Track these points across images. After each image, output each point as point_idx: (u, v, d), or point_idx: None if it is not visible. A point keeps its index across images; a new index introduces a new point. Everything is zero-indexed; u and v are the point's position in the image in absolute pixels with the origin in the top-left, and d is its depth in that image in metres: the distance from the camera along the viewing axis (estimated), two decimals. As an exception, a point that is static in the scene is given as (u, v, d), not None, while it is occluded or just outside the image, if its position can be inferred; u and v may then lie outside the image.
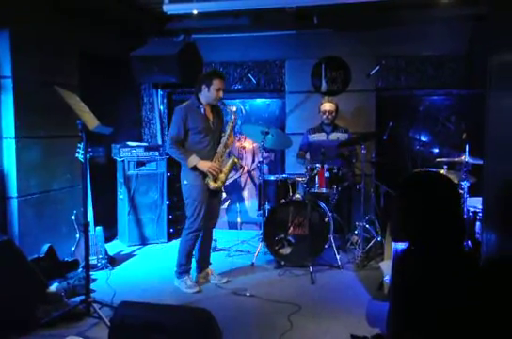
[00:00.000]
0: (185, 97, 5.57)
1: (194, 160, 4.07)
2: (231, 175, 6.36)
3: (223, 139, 4.22)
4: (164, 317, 2.80)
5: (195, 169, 4.09)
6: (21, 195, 4.35)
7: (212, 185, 4.12)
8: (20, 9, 4.33)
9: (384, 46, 5.85)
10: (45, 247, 4.21)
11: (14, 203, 4.31)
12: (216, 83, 4.09)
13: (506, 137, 2.50)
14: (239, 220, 6.34)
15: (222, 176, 4.19)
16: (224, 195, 6.40)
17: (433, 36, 5.69)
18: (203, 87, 4.12)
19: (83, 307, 3.51)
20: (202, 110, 4.16)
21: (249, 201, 6.51)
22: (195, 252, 4.34)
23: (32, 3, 4.47)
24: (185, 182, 4.18)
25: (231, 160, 4.26)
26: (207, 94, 4.13)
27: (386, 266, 3.95)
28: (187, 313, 2.92)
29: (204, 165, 4.08)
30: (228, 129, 4.25)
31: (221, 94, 4.14)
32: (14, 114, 4.26)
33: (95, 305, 3.50)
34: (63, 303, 3.62)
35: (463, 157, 4.06)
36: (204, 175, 4.12)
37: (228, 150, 4.30)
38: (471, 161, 4.04)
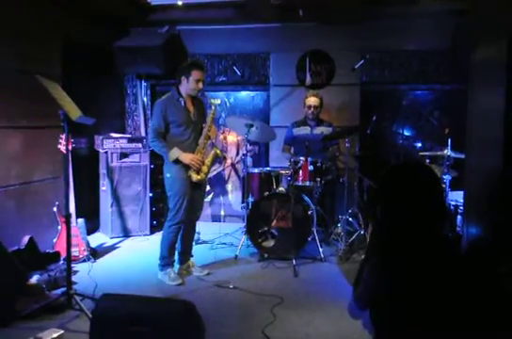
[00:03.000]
0: (169, 89, 5.51)
1: (176, 153, 4.04)
2: (214, 168, 6.37)
3: (204, 131, 4.18)
4: (146, 309, 2.79)
5: (177, 161, 4.07)
6: (1, 186, 4.28)
7: (194, 177, 4.11)
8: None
9: (369, 40, 5.86)
10: (26, 238, 4.16)
11: (-6, 194, 4.25)
12: (195, 74, 4.04)
13: (488, 131, 2.52)
14: (222, 213, 6.34)
15: (205, 168, 4.16)
16: (208, 188, 6.42)
17: (417, 31, 5.72)
18: (182, 78, 4.09)
19: (64, 299, 3.48)
20: (182, 103, 4.13)
21: (233, 193, 6.51)
22: (177, 245, 4.33)
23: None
24: (168, 175, 4.16)
25: (213, 152, 4.23)
26: (186, 86, 4.10)
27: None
28: (170, 305, 2.91)
29: (186, 157, 4.06)
30: (208, 121, 4.20)
31: (201, 85, 4.11)
32: (-6, 104, 4.20)
33: (77, 297, 3.47)
34: (44, 295, 3.58)
35: (445, 151, 4.11)
36: (187, 168, 4.10)
37: (209, 142, 4.27)
38: (453, 155, 4.09)
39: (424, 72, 5.88)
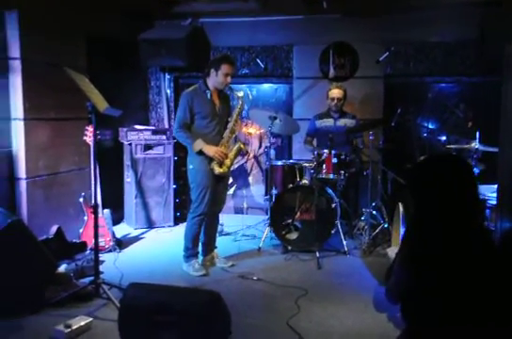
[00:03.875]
0: (192, 81, 5.53)
1: (200, 144, 4.06)
2: (236, 160, 6.38)
3: (229, 125, 4.20)
4: (173, 299, 2.83)
5: (200, 153, 4.09)
6: (29, 176, 4.36)
7: (217, 170, 4.11)
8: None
9: (393, 32, 5.80)
10: (54, 228, 4.24)
11: (23, 185, 4.33)
12: (225, 68, 4.06)
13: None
14: (245, 205, 6.35)
15: (228, 161, 4.16)
16: (230, 180, 6.44)
17: (443, 22, 5.64)
18: (212, 71, 4.11)
19: (92, 288, 3.54)
20: (209, 95, 4.14)
21: (255, 186, 6.52)
22: (201, 236, 4.37)
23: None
24: (191, 166, 4.18)
25: (237, 146, 4.23)
26: (215, 79, 4.11)
27: (393, 252, 3.97)
28: (197, 294, 2.94)
29: (210, 149, 4.07)
30: (234, 115, 4.22)
31: (229, 80, 4.11)
32: (23, 95, 4.26)
33: (104, 286, 3.52)
34: (72, 284, 3.66)
35: (473, 144, 4.04)
36: (210, 160, 4.11)
37: (234, 135, 4.27)
38: (481, 148, 4.02)
39: (449, 64, 5.79)
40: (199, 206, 4.16)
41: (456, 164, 1.83)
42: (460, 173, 1.81)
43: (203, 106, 4.12)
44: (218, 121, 4.18)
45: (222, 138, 4.17)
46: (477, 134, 4.03)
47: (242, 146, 4.28)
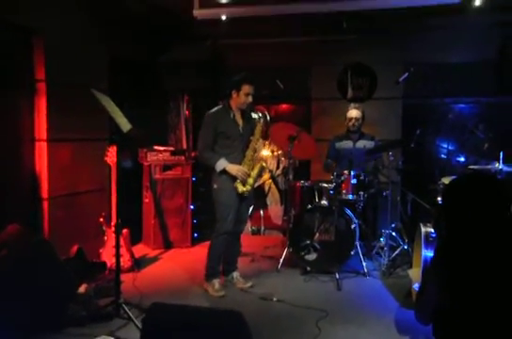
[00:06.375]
0: (211, 102, 5.60)
1: (223, 164, 4.10)
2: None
3: (251, 144, 4.22)
4: (196, 319, 2.80)
5: (224, 172, 4.11)
6: (51, 196, 4.41)
7: (240, 188, 4.12)
8: (52, 15, 4.43)
9: (411, 53, 5.86)
10: (74, 248, 4.26)
11: (45, 205, 4.37)
12: (246, 88, 4.10)
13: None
14: (262, 226, 6.33)
15: (250, 180, 4.18)
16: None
17: (461, 43, 5.68)
18: (233, 92, 4.15)
19: (112, 308, 3.53)
20: (232, 115, 4.18)
21: (273, 206, 6.50)
22: (223, 256, 4.36)
23: (64, 9, 4.57)
24: (215, 186, 4.20)
25: (259, 164, 4.24)
26: (237, 99, 4.15)
27: (415, 273, 3.92)
28: (220, 314, 2.91)
29: (233, 168, 4.09)
30: (256, 133, 4.23)
31: (250, 99, 4.15)
32: (47, 116, 4.34)
33: (125, 306, 3.51)
34: (93, 304, 3.65)
35: (496, 165, 4.00)
36: (233, 179, 4.12)
37: (256, 154, 4.27)
38: (505, 169, 3.97)
39: (468, 84, 5.81)
40: (222, 225, 4.16)
41: (491, 184, 1.82)
42: (495, 193, 1.80)
43: (227, 126, 4.15)
44: (241, 140, 4.20)
45: (244, 157, 4.20)
46: (501, 154, 4.00)
47: (264, 165, 4.30)
